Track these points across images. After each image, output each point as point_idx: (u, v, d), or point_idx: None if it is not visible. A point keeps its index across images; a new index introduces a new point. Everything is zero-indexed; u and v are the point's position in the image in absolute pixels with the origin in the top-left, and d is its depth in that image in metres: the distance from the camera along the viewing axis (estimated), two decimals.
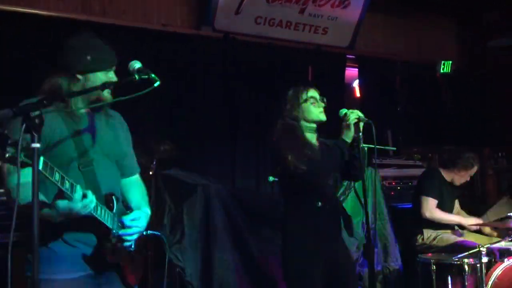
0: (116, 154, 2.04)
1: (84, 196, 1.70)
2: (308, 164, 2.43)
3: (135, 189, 2.20)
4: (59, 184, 1.62)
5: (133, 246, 2.00)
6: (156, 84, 1.94)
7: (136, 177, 2.24)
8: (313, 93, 2.62)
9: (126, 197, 2.15)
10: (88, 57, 1.93)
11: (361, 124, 2.52)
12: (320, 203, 2.48)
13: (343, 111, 2.60)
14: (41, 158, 1.52)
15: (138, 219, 1.99)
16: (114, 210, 1.93)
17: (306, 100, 2.58)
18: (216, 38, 4.53)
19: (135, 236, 1.97)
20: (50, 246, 1.83)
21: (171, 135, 3.99)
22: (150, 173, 3.37)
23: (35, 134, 1.42)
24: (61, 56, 1.97)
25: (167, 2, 4.47)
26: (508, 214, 3.32)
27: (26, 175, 1.51)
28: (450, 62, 5.79)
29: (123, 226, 1.94)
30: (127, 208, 2.08)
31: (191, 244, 3.42)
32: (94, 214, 1.79)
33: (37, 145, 1.42)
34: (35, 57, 3.70)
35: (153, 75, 1.91)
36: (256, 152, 4.53)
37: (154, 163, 3.34)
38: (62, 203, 1.69)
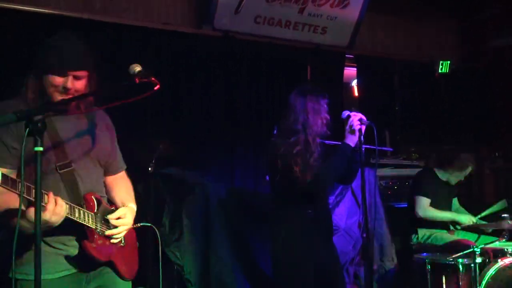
0: (96, 154, 2.02)
1: (55, 203, 1.69)
2: (312, 175, 2.43)
3: (120, 186, 2.21)
4: (24, 195, 1.58)
5: (123, 242, 2.05)
6: (155, 88, 1.98)
7: (121, 174, 2.25)
8: (324, 103, 2.61)
9: (111, 195, 2.17)
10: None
11: (363, 127, 2.52)
12: (310, 211, 2.50)
13: (346, 113, 2.58)
14: (0, 173, 1.52)
15: (124, 217, 2.02)
16: (96, 210, 1.93)
17: (315, 111, 2.56)
18: (216, 37, 4.55)
19: (122, 234, 2.01)
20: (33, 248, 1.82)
21: (170, 134, 4.02)
22: (149, 171, 3.39)
23: (38, 138, 1.45)
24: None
25: (167, 0, 4.49)
26: (503, 215, 3.35)
27: None
28: (449, 62, 5.81)
29: (108, 224, 1.96)
30: (111, 205, 2.11)
31: (190, 242, 3.45)
32: (71, 217, 1.79)
33: (40, 148, 1.46)
34: (33, 55, 3.72)
35: (153, 79, 1.94)
36: (255, 152, 4.55)
37: (153, 162, 3.37)
38: (30, 212, 1.64)
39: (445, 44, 6.15)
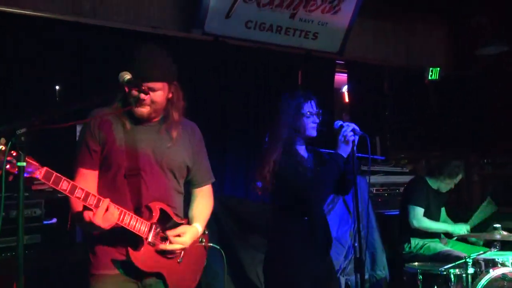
0: (169, 165, 2.05)
1: (106, 209, 1.80)
2: (300, 181, 2.41)
3: (198, 201, 2.23)
4: (81, 200, 1.77)
5: (180, 258, 2.05)
6: (146, 97, 1.93)
7: (205, 188, 2.27)
8: (313, 106, 2.58)
9: (190, 208, 2.20)
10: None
11: (356, 138, 2.49)
12: (306, 218, 2.46)
13: (339, 123, 2.54)
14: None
15: (182, 235, 2.01)
16: (156, 220, 1.96)
17: (304, 114, 2.53)
18: (206, 41, 4.49)
19: (177, 252, 2.01)
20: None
21: None
22: None
23: (20, 153, 1.38)
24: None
25: (157, 4, 4.42)
26: (494, 225, 3.34)
27: None
28: (438, 69, 5.84)
29: (164, 238, 1.98)
30: (183, 219, 2.11)
31: None
32: (120, 223, 1.86)
33: (23, 163, 1.38)
34: (22, 59, 3.64)
35: (143, 88, 1.90)
36: (246, 158, 4.50)
37: None
38: (86, 216, 1.81)
39: (435, 51, 6.17)
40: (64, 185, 1.73)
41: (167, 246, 1.96)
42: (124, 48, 4.03)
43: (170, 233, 1.98)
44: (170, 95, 2.07)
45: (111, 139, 1.98)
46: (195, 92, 4.41)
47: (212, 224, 3.48)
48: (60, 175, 1.72)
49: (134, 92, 1.93)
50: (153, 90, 1.97)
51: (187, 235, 2.02)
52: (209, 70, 4.50)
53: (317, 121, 2.57)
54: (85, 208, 1.82)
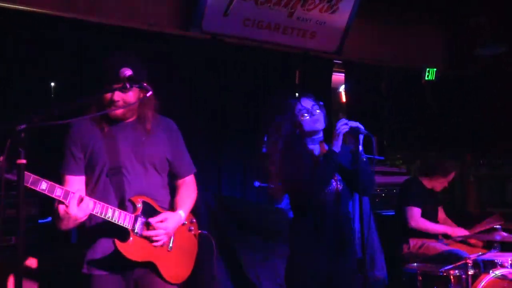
0: (149, 159, 2.14)
1: (81, 200, 1.88)
2: (303, 175, 2.38)
3: (182, 191, 2.30)
4: (46, 193, 1.81)
5: (170, 246, 2.13)
6: (148, 94, 1.90)
7: (188, 179, 2.35)
8: (305, 103, 2.55)
9: (174, 199, 2.26)
10: None
11: (361, 137, 2.42)
12: (319, 219, 2.42)
13: (343, 121, 2.47)
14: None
15: (165, 221, 2.07)
16: (140, 212, 2.05)
17: (297, 113, 2.51)
18: (204, 39, 4.45)
19: (161, 237, 2.07)
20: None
21: None
22: None
23: (20, 150, 1.34)
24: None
25: (154, 1, 4.36)
26: (494, 226, 3.33)
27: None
28: (435, 69, 5.85)
29: (148, 226, 2.05)
30: (165, 209, 2.17)
31: None
32: (102, 216, 1.95)
33: (23, 161, 1.34)
34: (15, 54, 3.58)
35: (144, 85, 1.88)
36: (243, 158, 4.46)
37: None
38: (60, 209, 1.90)
39: (432, 52, 6.17)
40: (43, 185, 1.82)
41: (150, 233, 2.04)
42: (120, 45, 3.98)
43: (152, 220, 2.05)
44: (141, 95, 2.12)
45: (92, 143, 2.10)
46: (191, 91, 4.37)
47: (211, 224, 3.46)
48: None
49: (107, 96, 2.03)
50: (124, 91, 2.04)
51: (170, 220, 2.10)
52: (206, 69, 4.45)
53: (315, 113, 2.51)
54: (60, 202, 1.91)
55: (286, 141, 2.50)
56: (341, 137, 2.43)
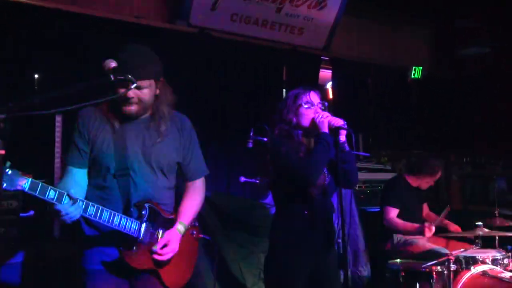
0: (157, 162, 2.06)
1: (74, 202, 1.83)
2: (296, 161, 2.33)
3: (188, 195, 2.22)
4: (37, 195, 1.76)
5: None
6: (133, 86, 1.87)
7: (197, 183, 2.25)
8: (313, 97, 2.49)
9: (181, 201, 2.20)
10: None
11: (343, 132, 2.38)
12: (306, 212, 2.39)
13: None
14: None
15: (169, 244, 2.04)
16: (145, 218, 2.00)
17: (301, 105, 2.44)
18: (191, 33, 4.42)
19: (169, 255, 2.04)
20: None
21: None
22: None
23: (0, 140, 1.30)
24: None
25: None
26: (477, 223, 3.37)
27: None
28: (421, 68, 5.88)
29: (155, 233, 2.04)
30: (169, 213, 2.13)
31: None
32: (110, 225, 1.91)
33: (2, 152, 1.31)
34: None
35: (129, 76, 1.84)
36: (228, 153, 4.44)
37: None
38: (56, 206, 1.82)
39: (418, 51, 6.21)
40: None
41: (158, 257, 2.01)
42: (105, 38, 3.91)
43: (155, 248, 2.00)
44: (158, 92, 2.08)
45: (100, 140, 2.02)
46: (176, 84, 4.30)
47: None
48: None
49: (121, 91, 1.92)
50: (140, 88, 1.97)
51: (172, 241, 2.05)
52: (192, 62, 4.42)
53: (319, 111, 2.44)
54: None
55: (282, 129, 2.46)
56: (326, 123, 2.39)
